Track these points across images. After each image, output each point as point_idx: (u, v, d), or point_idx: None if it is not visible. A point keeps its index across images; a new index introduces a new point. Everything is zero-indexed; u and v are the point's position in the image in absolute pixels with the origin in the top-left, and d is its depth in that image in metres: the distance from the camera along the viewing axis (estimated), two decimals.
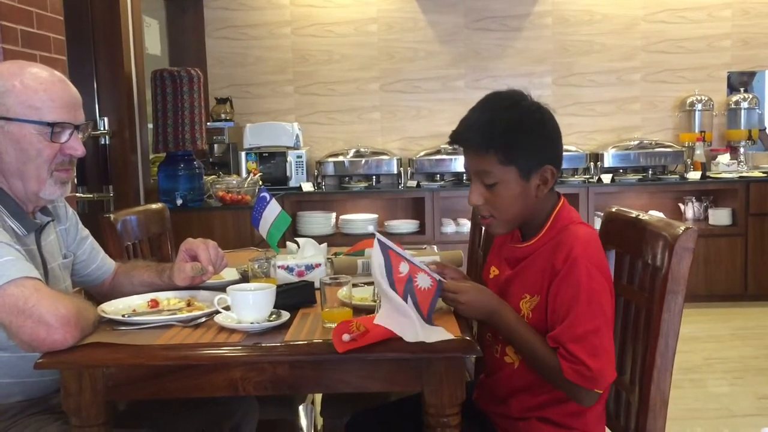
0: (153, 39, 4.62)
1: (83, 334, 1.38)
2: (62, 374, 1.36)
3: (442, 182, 4.92)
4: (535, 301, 1.48)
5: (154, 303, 1.61)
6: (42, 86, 1.51)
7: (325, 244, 1.96)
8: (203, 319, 1.50)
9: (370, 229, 4.78)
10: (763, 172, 4.76)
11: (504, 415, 1.57)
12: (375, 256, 1.39)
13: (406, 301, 1.37)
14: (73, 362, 1.34)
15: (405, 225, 4.84)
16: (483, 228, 2.31)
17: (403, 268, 1.39)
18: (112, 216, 2.14)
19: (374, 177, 4.95)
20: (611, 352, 1.41)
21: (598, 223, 4.82)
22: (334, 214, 4.89)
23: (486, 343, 1.61)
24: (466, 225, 4.67)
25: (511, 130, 1.45)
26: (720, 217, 4.69)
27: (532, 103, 1.51)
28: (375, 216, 4.88)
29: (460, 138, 1.51)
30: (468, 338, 1.35)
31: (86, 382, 1.35)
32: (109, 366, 1.35)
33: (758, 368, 3.49)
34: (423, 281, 1.40)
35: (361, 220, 4.82)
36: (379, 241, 1.39)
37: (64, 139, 1.54)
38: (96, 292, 1.84)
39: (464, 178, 4.93)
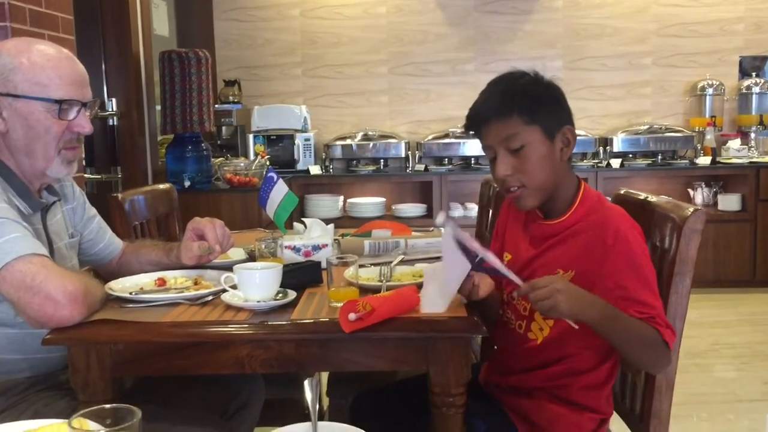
0: (161, 20, 4.60)
1: (90, 311, 1.39)
2: (70, 351, 1.37)
3: (450, 166, 4.90)
4: (569, 276, 1.44)
5: (162, 281, 1.61)
6: (49, 63, 1.50)
7: (332, 225, 1.96)
8: (210, 298, 1.50)
9: (378, 212, 4.78)
10: None
11: (514, 388, 1.56)
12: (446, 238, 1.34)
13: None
14: (81, 338, 1.35)
15: (413, 209, 4.83)
16: (490, 212, 2.30)
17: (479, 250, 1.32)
18: (120, 195, 2.15)
19: (382, 160, 4.94)
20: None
21: None
22: (341, 198, 4.89)
23: (504, 319, 1.60)
24: (473, 209, 4.66)
25: (530, 90, 1.47)
26: (729, 202, 4.66)
27: (538, 73, 1.53)
28: (383, 200, 4.87)
29: (477, 114, 1.50)
30: (475, 318, 1.34)
31: (93, 359, 1.36)
32: (116, 342, 1.35)
33: (765, 354, 3.48)
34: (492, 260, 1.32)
35: (369, 203, 4.82)
36: (451, 226, 1.33)
37: (72, 116, 1.53)
38: (104, 271, 1.84)
39: (472, 162, 4.92)
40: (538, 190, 1.48)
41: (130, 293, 1.51)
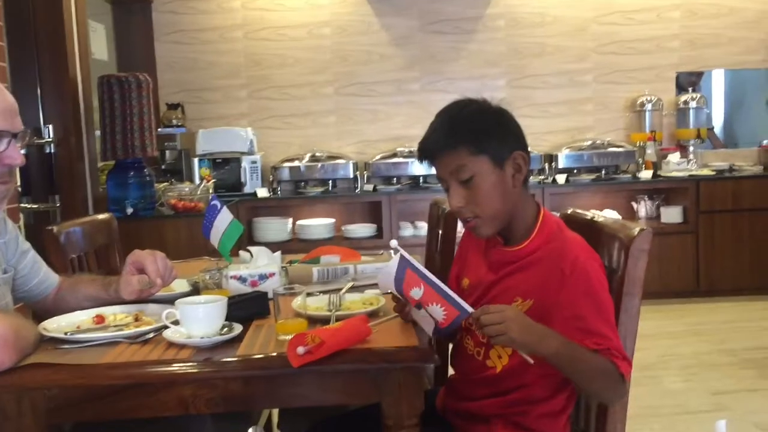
0: (99, 44, 4.49)
1: (22, 355, 1.31)
2: (0, 397, 1.28)
3: (398, 185, 4.90)
4: (527, 305, 1.43)
5: (100, 319, 1.55)
6: None
7: (279, 253, 1.91)
8: (151, 335, 1.44)
9: (328, 234, 4.74)
10: (713, 170, 4.86)
11: (471, 414, 1.54)
12: (392, 270, 1.33)
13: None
14: (12, 384, 1.27)
15: (362, 229, 4.80)
16: (440, 233, 2.29)
17: (415, 294, 1.32)
18: (54, 228, 2.06)
19: (330, 181, 4.91)
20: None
21: None
22: (290, 220, 4.83)
23: (462, 346, 1.58)
24: (423, 228, 4.65)
25: (476, 120, 1.47)
26: (671, 215, 4.77)
27: (486, 101, 1.53)
28: (332, 221, 4.83)
29: (426, 147, 1.50)
30: (426, 347, 1.32)
31: (26, 405, 1.28)
32: (50, 388, 1.28)
33: (712, 364, 3.55)
34: (436, 313, 1.32)
35: (318, 225, 4.77)
36: (401, 256, 1.32)
37: (2, 148, 1.46)
38: (39, 308, 1.76)
39: (421, 181, 4.92)
40: (492, 219, 1.48)
41: (66, 333, 1.44)
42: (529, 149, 1.53)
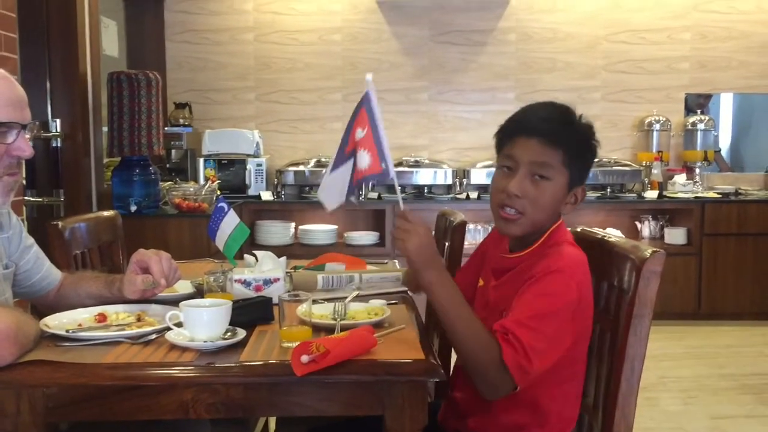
0: (111, 40, 4.49)
1: (22, 351, 1.29)
2: None
3: (403, 195, 4.89)
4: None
5: (102, 317, 1.53)
6: None
7: (284, 258, 1.90)
8: (153, 336, 1.42)
9: (330, 240, 4.72)
10: (718, 193, 4.84)
11: (473, 431, 1.53)
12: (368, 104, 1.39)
13: (348, 160, 1.38)
14: (11, 381, 1.26)
15: (365, 237, 4.79)
16: (447, 244, 2.27)
17: (358, 134, 1.38)
18: (59, 223, 2.04)
19: None
20: (548, 365, 1.37)
21: None
22: (293, 224, 4.82)
23: (459, 362, 1.57)
24: None
25: (583, 138, 1.49)
26: (675, 236, 4.76)
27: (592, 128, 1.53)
28: (335, 227, 4.81)
29: (529, 123, 1.46)
30: (432, 361, 1.30)
31: (25, 403, 1.26)
32: (50, 386, 1.26)
33: (712, 387, 3.52)
34: (363, 160, 1.37)
35: (321, 230, 4.75)
36: (367, 92, 1.39)
37: (11, 139, 1.45)
38: (40, 304, 1.74)
39: (425, 191, 4.90)
40: (531, 224, 1.47)
41: (67, 330, 1.42)
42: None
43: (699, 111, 5.20)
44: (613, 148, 5.19)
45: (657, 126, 5.04)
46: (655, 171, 4.95)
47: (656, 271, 1.38)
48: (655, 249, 1.40)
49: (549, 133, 1.44)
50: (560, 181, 1.45)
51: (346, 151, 1.40)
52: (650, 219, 4.94)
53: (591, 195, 4.87)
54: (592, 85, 5.18)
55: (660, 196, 4.82)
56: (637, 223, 5.02)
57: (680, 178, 4.92)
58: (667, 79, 5.17)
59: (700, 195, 4.80)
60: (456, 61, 5.13)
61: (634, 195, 4.91)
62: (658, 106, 5.14)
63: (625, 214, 5.08)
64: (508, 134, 1.49)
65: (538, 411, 1.45)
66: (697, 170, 5.06)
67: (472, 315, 1.37)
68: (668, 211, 4.94)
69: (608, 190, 4.91)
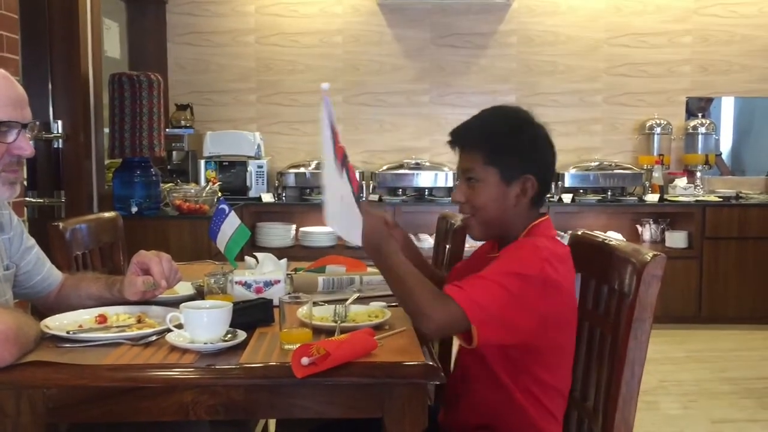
0: (113, 42, 4.50)
1: (23, 352, 1.29)
2: None
3: (404, 197, 4.89)
4: None
5: (102, 318, 1.53)
6: None
7: (284, 260, 1.90)
8: (154, 338, 1.42)
9: (330, 242, 4.72)
10: (719, 197, 4.84)
11: (467, 428, 1.56)
12: (325, 112, 1.50)
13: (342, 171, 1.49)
14: (11, 382, 1.25)
15: None
16: (448, 247, 2.27)
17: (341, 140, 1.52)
18: (60, 224, 2.04)
19: None
20: (504, 314, 1.40)
21: None
22: (294, 226, 4.82)
23: (460, 363, 1.61)
24: (427, 240, 4.64)
25: (499, 134, 1.54)
26: (676, 239, 4.75)
27: (528, 117, 1.59)
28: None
29: (454, 135, 1.59)
30: (432, 364, 1.30)
31: (25, 404, 1.26)
32: (50, 387, 1.26)
33: (712, 392, 3.52)
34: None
35: (322, 232, 4.75)
36: (326, 100, 1.50)
37: (11, 138, 1.47)
38: (41, 305, 1.74)
39: (426, 193, 4.91)
40: (483, 224, 1.57)
41: (68, 332, 1.42)
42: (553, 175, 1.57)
43: (700, 115, 5.19)
44: (614, 151, 5.19)
45: (658, 129, 5.04)
46: (656, 174, 4.95)
47: (657, 274, 1.38)
48: (656, 253, 1.40)
49: (465, 141, 1.57)
50: (490, 179, 1.53)
51: (339, 162, 1.51)
52: (651, 222, 4.94)
53: (592, 198, 4.87)
54: (593, 88, 5.18)
55: (661, 199, 4.82)
56: (638, 226, 5.02)
57: (681, 182, 4.92)
58: (669, 82, 5.17)
59: (701, 198, 4.79)
60: (457, 63, 5.14)
61: (635, 198, 4.91)
62: (659, 109, 5.14)
63: (626, 217, 5.07)
64: (456, 149, 1.62)
65: (515, 401, 1.50)
66: (698, 174, 5.05)
67: (415, 272, 1.44)
68: (669, 215, 4.94)
69: (609, 193, 4.91)
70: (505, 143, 1.54)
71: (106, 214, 2.40)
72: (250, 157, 4.70)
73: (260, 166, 4.70)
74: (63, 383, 1.26)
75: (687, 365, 3.94)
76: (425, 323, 1.38)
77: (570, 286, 1.51)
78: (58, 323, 1.49)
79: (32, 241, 1.73)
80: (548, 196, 4.71)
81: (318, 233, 4.74)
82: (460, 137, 1.58)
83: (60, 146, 3.49)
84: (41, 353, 1.32)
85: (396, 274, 1.42)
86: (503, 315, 1.39)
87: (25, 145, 1.49)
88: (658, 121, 5.05)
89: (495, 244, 1.63)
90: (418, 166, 4.83)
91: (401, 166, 4.87)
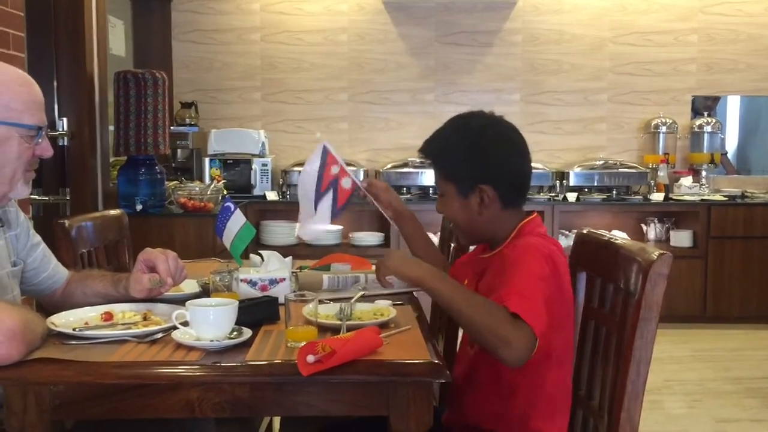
0: (117, 40, 4.50)
1: (30, 349, 1.30)
2: (5, 391, 1.28)
3: (408, 195, 4.88)
4: None
5: (108, 316, 1.53)
6: (22, 88, 1.49)
7: (290, 258, 1.90)
8: (160, 335, 1.42)
9: (335, 240, 4.72)
10: (725, 196, 4.83)
11: (472, 429, 1.56)
12: (313, 157, 1.80)
13: (327, 192, 1.81)
14: (18, 378, 1.26)
15: (370, 237, 4.79)
16: (453, 245, 2.28)
17: (335, 170, 1.81)
18: (66, 222, 2.05)
19: None
20: (547, 319, 1.38)
21: (562, 241, 4.80)
22: (298, 225, 4.79)
23: (461, 359, 1.61)
24: (432, 239, 4.63)
25: (444, 150, 1.59)
26: (681, 239, 4.74)
27: (479, 125, 1.58)
28: (340, 227, 4.81)
29: (421, 150, 1.66)
30: (437, 362, 1.30)
31: (31, 400, 1.27)
32: (56, 384, 1.27)
33: (717, 391, 3.51)
34: (345, 183, 1.83)
35: (326, 231, 4.75)
36: (324, 146, 1.81)
37: (39, 140, 1.52)
38: (47, 302, 1.75)
39: (430, 192, 4.90)
40: (463, 233, 1.63)
41: (74, 329, 1.42)
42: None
43: (706, 113, 5.18)
44: (619, 150, 5.19)
45: (663, 128, 5.03)
46: (661, 173, 4.94)
47: (663, 273, 1.38)
48: (662, 251, 1.40)
49: (428, 157, 1.64)
50: (450, 192, 1.59)
51: (322, 190, 1.80)
52: (656, 221, 4.93)
53: (596, 197, 4.86)
54: (598, 87, 5.17)
55: (666, 198, 4.81)
56: (642, 225, 5.01)
57: (686, 181, 4.91)
58: (674, 81, 5.16)
59: (706, 197, 4.78)
60: (462, 62, 5.13)
61: (640, 197, 4.90)
62: (665, 108, 5.13)
63: (630, 216, 5.07)
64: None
65: (522, 396, 1.51)
66: (704, 173, 5.04)
67: (468, 290, 1.46)
68: (674, 214, 4.93)
69: (614, 192, 4.90)
70: (454, 159, 1.57)
71: (112, 212, 2.40)
72: (254, 155, 4.71)
73: (265, 164, 4.71)
74: (69, 380, 1.26)
75: (691, 365, 3.94)
76: (511, 356, 1.33)
77: (567, 282, 1.52)
78: (64, 320, 1.49)
79: (38, 238, 1.73)
80: (553, 195, 4.75)
81: (321, 231, 4.74)
82: (425, 153, 1.64)
83: (65, 144, 3.50)
84: (48, 350, 1.32)
85: (451, 297, 1.39)
86: (546, 317, 1.37)
87: (47, 146, 1.55)
88: (663, 120, 5.04)
89: (486, 245, 1.65)
90: (422, 165, 4.82)
91: (406, 165, 4.87)
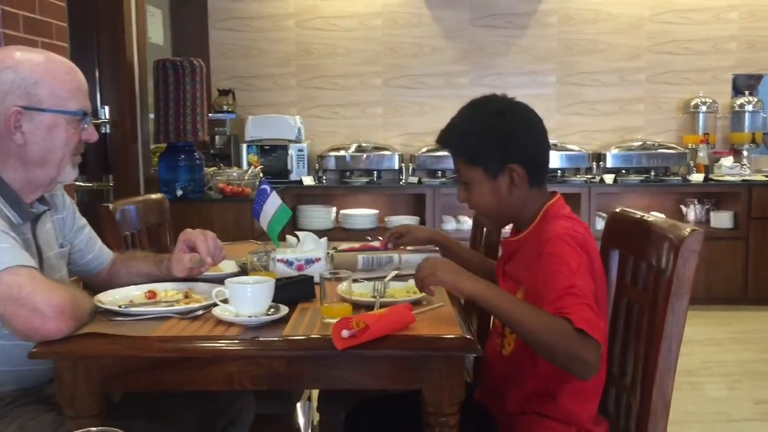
0: (156, 28, 4.59)
1: (78, 324, 1.36)
2: (56, 364, 1.34)
3: (443, 179, 4.90)
4: (523, 291, 1.52)
5: (152, 294, 1.59)
6: (68, 76, 1.53)
7: (325, 239, 1.94)
8: (200, 312, 1.48)
9: (371, 224, 4.77)
10: (766, 176, 4.74)
11: (502, 411, 1.58)
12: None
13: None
14: (68, 352, 1.32)
15: (405, 221, 4.81)
16: (484, 228, 2.29)
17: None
18: (110, 205, 2.12)
19: (375, 172, 4.93)
20: (601, 315, 1.39)
21: (600, 224, 4.78)
22: (334, 209, 4.87)
23: (490, 337, 1.63)
24: (466, 222, 4.65)
25: (472, 133, 1.55)
26: (722, 220, 4.67)
27: (497, 107, 1.58)
28: (375, 212, 4.85)
29: (439, 140, 1.64)
30: (468, 337, 1.33)
31: (81, 373, 1.33)
32: (104, 357, 1.33)
33: (756, 372, 3.47)
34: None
35: (362, 215, 4.80)
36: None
37: (84, 126, 1.57)
38: (93, 282, 1.82)
39: None
40: (490, 218, 1.63)
41: (120, 306, 1.49)
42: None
43: (747, 92, 5.07)
44: (658, 130, 5.11)
45: (703, 108, 4.95)
46: (701, 154, 4.86)
47: (695, 249, 1.38)
48: (694, 227, 1.40)
49: (448, 145, 1.61)
50: (477, 177, 1.56)
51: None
52: (696, 203, 4.87)
53: (634, 178, 4.81)
54: (635, 67, 5.09)
55: (706, 179, 4.74)
56: (682, 207, 4.94)
57: (727, 161, 4.83)
58: (714, 59, 5.06)
59: (747, 178, 4.70)
60: (497, 44, 5.11)
61: (679, 178, 4.84)
62: (705, 87, 5.04)
63: (669, 198, 5.00)
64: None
65: (552, 381, 1.50)
66: (745, 153, 4.95)
67: (527, 304, 1.39)
68: (714, 195, 4.85)
69: (652, 173, 4.84)
70: (480, 142, 1.54)
71: (153, 196, 2.48)
72: (290, 141, 4.76)
73: (301, 150, 4.76)
74: (116, 354, 1.32)
75: (731, 346, 3.89)
76: (585, 372, 1.33)
77: (599, 262, 1.51)
78: (110, 298, 1.56)
79: (84, 220, 1.80)
80: (589, 177, 4.70)
81: (358, 215, 4.79)
82: (444, 142, 1.62)
83: (108, 131, 3.59)
84: (95, 326, 1.38)
85: (505, 310, 1.37)
86: (603, 317, 1.39)
87: (92, 131, 1.59)
88: (703, 100, 4.95)
89: (513, 227, 1.67)
90: None
91: (440, 148, 4.86)
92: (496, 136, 1.54)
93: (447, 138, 1.61)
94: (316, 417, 2.05)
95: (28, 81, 1.48)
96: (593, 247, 1.50)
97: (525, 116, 1.58)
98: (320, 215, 4.78)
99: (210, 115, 4.56)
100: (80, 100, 1.54)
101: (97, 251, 1.80)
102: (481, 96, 1.63)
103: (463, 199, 1.62)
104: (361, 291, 1.62)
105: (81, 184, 3.43)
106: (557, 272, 1.39)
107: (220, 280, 1.55)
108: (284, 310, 1.45)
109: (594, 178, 4.77)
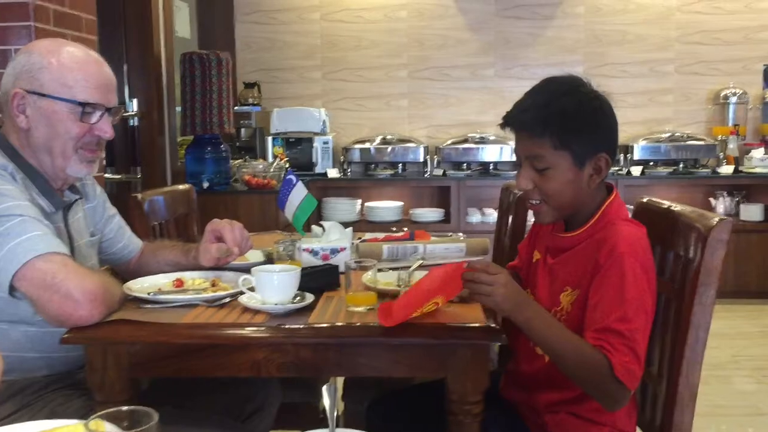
0: (183, 22, 4.63)
1: (109, 311, 1.39)
2: (87, 350, 1.36)
3: (468, 171, 4.88)
4: (575, 295, 1.43)
5: (179, 282, 1.61)
6: (77, 65, 1.52)
7: (350, 229, 1.94)
8: (227, 300, 1.49)
9: (395, 216, 4.77)
10: None
11: (531, 406, 1.55)
12: None
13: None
14: (99, 338, 1.35)
15: (430, 213, 4.81)
16: (510, 219, 2.28)
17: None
18: (139, 196, 2.15)
19: (400, 165, 4.93)
20: (644, 355, 1.36)
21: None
22: (359, 201, 4.88)
23: (517, 331, 1.59)
24: (491, 215, 4.63)
25: (568, 115, 1.40)
26: (752, 212, 4.60)
27: (590, 90, 1.46)
28: (400, 204, 4.86)
29: (513, 120, 1.45)
30: (494, 325, 1.33)
31: (111, 359, 1.35)
32: (133, 343, 1.35)
33: None
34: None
35: (387, 207, 4.81)
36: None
37: (94, 120, 1.54)
38: (122, 271, 1.85)
39: (491, 168, 4.89)
40: (556, 209, 1.46)
41: (149, 294, 1.51)
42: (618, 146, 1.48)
43: None
44: (687, 122, 5.05)
45: (733, 99, 4.87)
46: (731, 145, 4.79)
47: (723, 239, 1.36)
48: (722, 217, 1.38)
49: (531, 125, 1.41)
50: (563, 164, 1.41)
51: None
52: (725, 195, 4.79)
53: (663, 170, 4.76)
54: (664, 58, 5.03)
55: (736, 171, 4.67)
56: (711, 199, 4.87)
57: (758, 153, 4.74)
58: (745, 50, 4.97)
59: None
60: (522, 35, 5.07)
61: (709, 170, 4.77)
62: (735, 78, 4.95)
63: (698, 190, 4.94)
64: (508, 129, 1.48)
65: None
66: None
67: (570, 335, 1.34)
68: (744, 187, 4.77)
69: (681, 165, 4.78)
70: (574, 123, 1.39)
71: (181, 187, 2.51)
72: (315, 134, 4.78)
73: (326, 142, 4.78)
74: (145, 340, 1.34)
75: (761, 340, 3.84)
76: (611, 409, 1.37)
77: (654, 271, 1.44)
78: (139, 286, 1.58)
79: (114, 210, 1.83)
80: (617, 168, 4.64)
81: (383, 208, 4.80)
82: (520, 121, 1.44)
83: (136, 124, 3.64)
84: (125, 313, 1.40)
85: (547, 341, 1.35)
86: (645, 356, 1.35)
87: (106, 127, 1.56)
88: (733, 90, 4.87)
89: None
90: (482, 141, 4.81)
91: (466, 141, 4.86)
92: (589, 119, 1.41)
93: (525, 116, 1.42)
94: (341, 407, 2.06)
95: (35, 66, 1.49)
96: (651, 257, 1.43)
97: (610, 105, 1.47)
98: (345, 207, 4.79)
99: (236, 107, 4.60)
100: (87, 90, 1.51)
101: (127, 240, 1.83)
102: (566, 74, 1.48)
103: (530, 186, 1.44)
104: (386, 280, 1.62)
105: (109, 176, 3.48)
106: (615, 297, 1.33)
107: (246, 270, 1.56)
108: (310, 298, 1.46)
109: (621, 170, 4.72)
